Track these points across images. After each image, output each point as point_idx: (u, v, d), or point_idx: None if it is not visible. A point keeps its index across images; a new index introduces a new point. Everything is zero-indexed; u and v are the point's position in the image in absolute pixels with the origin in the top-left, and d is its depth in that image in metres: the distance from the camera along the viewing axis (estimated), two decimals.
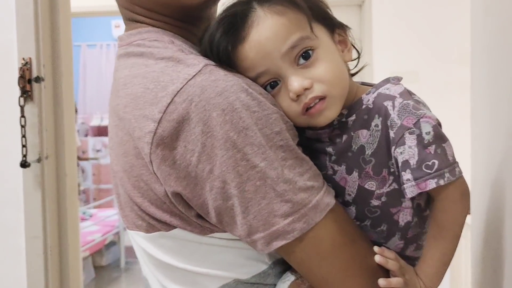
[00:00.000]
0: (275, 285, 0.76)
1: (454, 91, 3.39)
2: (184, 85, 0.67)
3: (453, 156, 0.71)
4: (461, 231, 0.74)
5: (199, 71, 0.67)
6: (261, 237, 0.68)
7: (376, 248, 0.74)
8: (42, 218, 1.39)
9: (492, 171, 1.03)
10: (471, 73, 1.19)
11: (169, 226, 0.73)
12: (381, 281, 0.71)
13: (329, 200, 0.70)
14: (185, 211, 0.71)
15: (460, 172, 0.71)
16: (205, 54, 0.72)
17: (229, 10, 0.71)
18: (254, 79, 0.71)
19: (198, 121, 0.66)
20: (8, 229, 1.41)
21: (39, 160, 1.38)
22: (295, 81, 0.69)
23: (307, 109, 0.70)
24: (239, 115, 0.66)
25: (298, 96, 0.70)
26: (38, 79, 1.35)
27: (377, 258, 0.72)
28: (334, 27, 0.77)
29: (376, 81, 0.78)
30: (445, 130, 0.75)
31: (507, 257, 0.93)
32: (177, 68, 0.69)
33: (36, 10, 1.35)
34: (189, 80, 0.67)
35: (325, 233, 0.70)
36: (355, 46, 0.81)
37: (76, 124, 3.65)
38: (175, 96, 0.66)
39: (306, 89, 0.69)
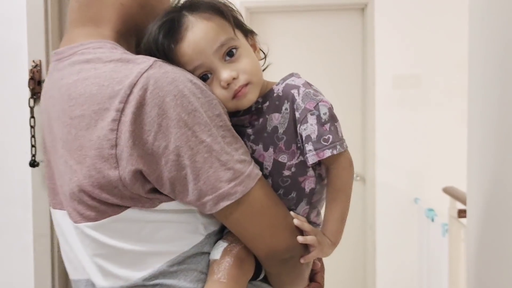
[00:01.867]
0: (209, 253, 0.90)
1: (456, 95, 3.40)
2: (139, 78, 0.79)
3: (342, 133, 0.92)
4: (351, 192, 0.93)
5: (151, 65, 0.80)
6: (210, 199, 0.81)
7: (292, 213, 0.91)
8: (49, 216, 1.42)
9: (488, 174, 1.05)
10: (469, 78, 1.21)
11: (120, 208, 0.83)
12: (300, 238, 0.89)
13: (258, 171, 0.86)
14: (140, 189, 0.82)
15: (347, 145, 0.91)
16: (149, 53, 0.86)
17: (165, 17, 0.87)
18: (192, 72, 0.86)
19: (154, 105, 0.78)
20: (16, 227, 1.44)
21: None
22: (225, 73, 0.87)
23: (235, 94, 0.88)
24: (188, 100, 0.80)
25: (228, 84, 0.87)
26: None
27: (295, 221, 0.90)
28: (247, 32, 0.95)
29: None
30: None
31: (502, 258, 0.95)
32: (127, 66, 0.82)
33: (46, 14, 1.38)
34: (143, 73, 0.79)
35: (256, 197, 0.85)
36: (261, 49, 0.99)
37: None
38: (133, 87, 0.79)
39: (234, 78, 0.87)
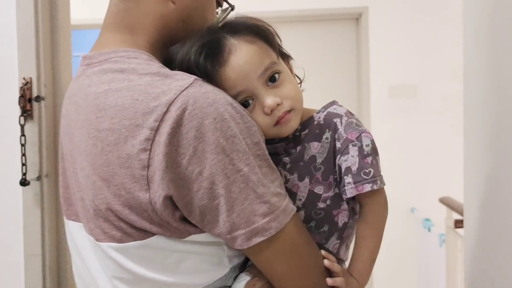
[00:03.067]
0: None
1: (452, 105, 3.40)
2: (177, 95, 0.74)
3: (381, 168, 0.88)
4: (383, 231, 0.89)
5: (191, 83, 0.76)
6: (242, 234, 0.76)
7: (323, 252, 0.86)
8: (41, 236, 1.40)
9: (484, 183, 1.04)
10: (464, 87, 1.21)
11: (147, 234, 0.78)
12: (329, 280, 0.84)
13: (292, 206, 0.81)
14: (169, 215, 0.76)
15: (385, 183, 0.87)
16: (187, 72, 0.81)
17: (204, 38, 0.83)
18: (234, 97, 0.81)
19: (191, 127, 0.73)
20: (7, 247, 1.42)
21: (38, 178, 1.39)
22: (269, 99, 0.83)
23: (277, 121, 0.85)
24: (227, 124, 0.74)
25: (272, 111, 0.83)
26: (38, 99, 1.37)
27: (326, 262, 0.84)
28: (284, 56, 0.92)
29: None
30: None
31: (499, 269, 0.94)
32: (165, 82, 0.76)
33: (37, 30, 1.37)
34: (183, 91, 0.74)
35: (289, 234, 0.79)
36: (296, 74, 0.96)
37: None
38: (170, 105, 0.73)
39: (278, 104, 0.83)
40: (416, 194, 3.58)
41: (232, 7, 1.02)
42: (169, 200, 0.75)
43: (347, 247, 0.94)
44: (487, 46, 1.01)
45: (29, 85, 1.35)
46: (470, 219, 1.18)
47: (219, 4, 1.00)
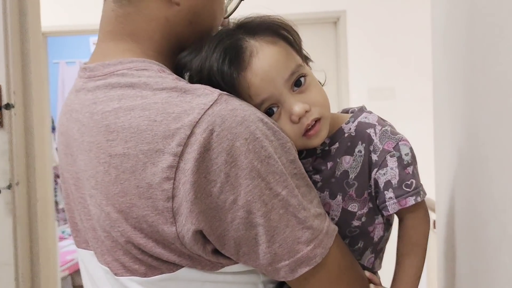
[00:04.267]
0: None
1: (429, 106, 3.44)
2: (202, 115, 0.65)
3: (420, 177, 0.81)
4: (427, 247, 0.81)
5: (216, 100, 0.66)
6: (286, 265, 0.69)
7: (368, 274, 0.80)
8: (13, 245, 1.38)
9: (452, 183, 1.05)
10: (433, 88, 1.22)
11: (175, 266, 0.71)
12: None
13: (334, 226, 0.73)
14: (200, 250, 0.69)
15: (426, 192, 0.80)
16: (206, 82, 0.72)
17: (220, 41, 0.73)
18: (258, 106, 0.73)
19: (221, 151, 0.64)
20: None
21: (9, 187, 1.37)
22: (297, 106, 0.74)
23: (306, 131, 0.76)
24: (261, 144, 0.66)
25: (300, 118, 0.75)
26: (8, 106, 1.36)
27: (372, 287, 0.79)
28: (305, 58, 0.83)
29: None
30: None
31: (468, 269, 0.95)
32: (185, 99, 0.67)
33: (6, 37, 1.36)
34: (207, 109, 0.65)
35: (334, 258, 0.72)
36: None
37: (54, 141, 3.63)
38: (194, 127, 0.64)
39: (306, 111, 0.75)
40: None
41: None
42: (200, 234, 0.67)
43: (381, 259, 0.88)
44: (453, 48, 1.02)
45: None
46: (440, 220, 1.19)
47: None
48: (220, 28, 0.84)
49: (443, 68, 1.13)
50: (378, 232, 0.83)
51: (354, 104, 3.69)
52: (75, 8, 3.60)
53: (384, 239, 0.84)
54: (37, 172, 1.44)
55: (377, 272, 0.88)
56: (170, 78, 0.71)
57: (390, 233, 0.86)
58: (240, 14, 0.83)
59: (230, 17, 0.88)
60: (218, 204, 0.66)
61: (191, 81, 0.75)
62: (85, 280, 0.86)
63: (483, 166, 0.78)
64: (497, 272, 0.73)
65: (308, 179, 0.73)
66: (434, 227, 2.73)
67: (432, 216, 2.80)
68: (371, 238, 0.82)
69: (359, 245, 0.82)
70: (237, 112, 0.66)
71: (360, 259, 0.83)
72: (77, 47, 5.83)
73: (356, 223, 0.80)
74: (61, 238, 4.13)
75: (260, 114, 0.69)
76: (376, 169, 0.78)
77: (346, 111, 0.89)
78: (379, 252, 0.86)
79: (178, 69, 0.78)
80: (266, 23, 0.77)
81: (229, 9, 0.91)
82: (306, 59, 0.83)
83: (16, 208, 1.39)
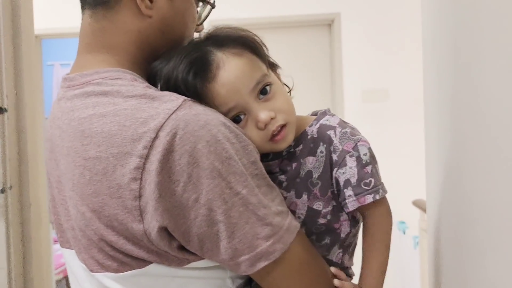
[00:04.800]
0: None
1: (422, 108, 3.45)
2: (166, 120, 0.70)
3: (380, 176, 0.85)
4: (390, 242, 0.85)
5: (180, 105, 0.72)
6: (246, 259, 0.73)
7: (333, 269, 0.83)
8: (6, 248, 1.38)
9: (443, 185, 1.06)
10: (424, 91, 1.23)
11: (145, 263, 0.75)
12: None
13: (296, 222, 0.77)
14: (166, 246, 0.73)
15: (386, 190, 0.84)
16: (173, 90, 0.77)
17: (188, 53, 0.79)
18: (225, 114, 0.78)
19: (184, 152, 0.69)
20: None
21: (3, 191, 1.37)
22: (262, 114, 0.79)
23: (272, 136, 0.81)
24: (222, 146, 0.71)
25: (266, 125, 0.80)
26: (1, 110, 1.36)
27: (336, 282, 0.81)
28: (272, 66, 0.88)
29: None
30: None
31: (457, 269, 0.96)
32: (152, 105, 0.72)
33: None
34: (171, 114, 0.70)
35: (295, 253, 0.76)
36: (284, 83, 0.91)
37: None
38: (159, 130, 0.69)
39: (272, 118, 0.80)
40: (390, 197, 3.59)
41: (213, 6, 0.96)
42: (165, 231, 0.72)
43: (351, 255, 0.91)
44: (444, 49, 1.03)
45: None
46: (431, 220, 1.20)
47: (197, 5, 0.94)
48: (195, 33, 0.91)
49: (432, 71, 1.14)
50: (344, 229, 0.86)
51: (348, 106, 3.70)
52: (69, 11, 3.60)
53: (351, 235, 0.87)
54: (30, 176, 1.43)
55: (349, 268, 0.90)
56: (141, 86, 0.76)
57: (358, 229, 0.88)
58: (222, 17, 0.87)
59: (215, 21, 0.91)
60: (182, 203, 0.70)
61: (162, 89, 0.80)
62: (71, 278, 0.91)
63: (470, 169, 0.79)
64: (482, 276, 0.73)
65: (269, 179, 0.77)
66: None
67: (426, 217, 2.80)
68: (337, 234, 0.86)
69: (326, 240, 0.86)
70: (199, 116, 0.72)
71: (328, 255, 0.87)
72: (71, 49, 5.82)
73: (321, 220, 0.84)
74: (56, 241, 4.12)
75: (222, 119, 0.74)
76: (336, 168, 0.82)
77: (314, 114, 0.93)
78: (347, 248, 0.88)
79: (151, 77, 0.82)
80: (233, 35, 0.81)
81: (203, 16, 0.96)
82: (274, 66, 0.88)
83: (9, 212, 1.39)
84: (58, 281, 3.76)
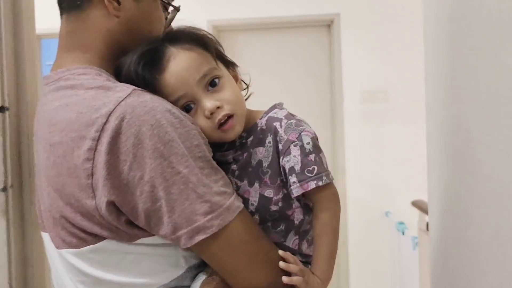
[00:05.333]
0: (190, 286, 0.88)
1: (422, 109, 3.45)
2: (116, 106, 0.78)
3: (327, 165, 0.90)
4: (339, 226, 0.90)
5: (129, 94, 0.80)
6: (185, 233, 0.79)
7: (280, 252, 0.88)
8: (7, 247, 1.38)
9: (445, 186, 1.06)
10: (426, 92, 1.23)
11: (99, 238, 0.83)
12: (284, 279, 0.84)
13: (239, 203, 0.84)
14: (115, 220, 0.80)
15: (332, 177, 0.89)
16: (130, 82, 0.85)
17: (145, 48, 0.87)
18: (174, 103, 0.85)
19: (130, 135, 0.77)
20: None
21: (4, 189, 1.37)
22: (208, 103, 0.87)
23: (220, 125, 0.88)
24: (165, 130, 0.78)
25: (212, 114, 0.87)
26: (2, 109, 1.35)
27: (281, 264, 0.86)
28: (228, 63, 0.96)
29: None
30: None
31: (460, 268, 0.96)
32: (107, 94, 0.81)
33: (0, 40, 1.35)
34: (121, 101, 0.79)
35: (235, 231, 0.82)
36: (243, 80, 1.00)
37: None
38: (109, 115, 0.78)
39: (218, 108, 0.87)
40: (389, 198, 3.61)
41: (178, 9, 1.05)
42: (113, 206, 0.79)
43: (309, 242, 0.95)
44: (444, 52, 1.03)
45: None
46: (433, 221, 1.20)
47: (165, 8, 1.03)
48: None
49: (434, 71, 1.14)
50: (297, 215, 0.91)
51: (347, 107, 3.70)
52: None
53: (305, 222, 0.92)
54: (31, 174, 1.43)
55: (310, 256, 0.93)
56: (101, 80, 0.85)
57: (311, 217, 0.93)
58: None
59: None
60: (129, 180, 0.78)
61: (122, 81, 0.88)
62: (49, 260, 1.00)
63: (475, 168, 0.79)
64: (489, 277, 0.73)
65: (214, 162, 0.84)
66: (428, 229, 2.74)
67: (427, 218, 2.81)
68: (291, 221, 0.91)
69: (281, 227, 0.91)
70: (146, 103, 0.79)
71: (285, 241, 0.92)
72: None
73: (274, 207, 0.90)
74: None
75: (168, 106, 0.82)
76: (282, 157, 0.88)
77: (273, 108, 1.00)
78: (304, 234, 0.93)
79: (117, 73, 0.91)
80: (186, 32, 0.90)
81: (168, 18, 1.05)
82: (231, 64, 0.96)
83: (9, 210, 1.39)
84: None
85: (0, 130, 1.35)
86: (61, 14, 0.97)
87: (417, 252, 2.87)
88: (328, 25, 3.82)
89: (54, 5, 1.06)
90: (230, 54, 1.01)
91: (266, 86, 3.73)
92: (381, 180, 3.60)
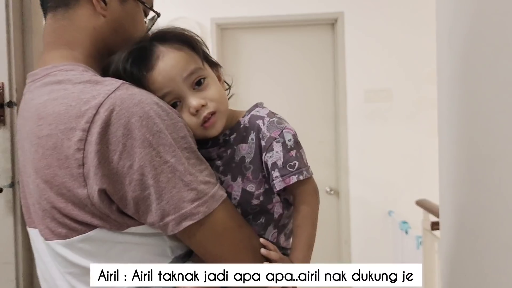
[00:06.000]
0: None
1: (426, 108, 3.45)
2: (105, 98, 0.81)
3: (307, 160, 0.94)
4: (317, 219, 0.94)
5: (118, 87, 0.83)
6: (172, 219, 0.82)
7: (262, 240, 0.92)
8: (14, 243, 1.37)
9: (459, 186, 1.05)
10: (438, 91, 1.22)
11: (89, 227, 0.85)
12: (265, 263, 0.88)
13: (222, 192, 0.87)
14: (107, 208, 0.83)
15: (312, 172, 0.93)
16: (118, 78, 0.88)
17: (135, 46, 0.91)
18: (161, 98, 0.88)
19: (119, 126, 0.80)
20: None
21: (11, 185, 1.36)
22: (194, 100, 0.91)
23: (204, 122, 0.92)
24: (153, 121, 0.81)
25: (197, 111, 0.91)
26: (10, 104, 1.35)
27: (262, 251, 0.91)
28: (213, 64, 1.00)
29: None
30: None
31: (475, 270, 0.95)
32: (96, 87, 0.83)
33: (8, 35, 1.35)
34: (110, 94, 0.82)
35: (219, 218, 0.86)
36: (226, 80, 1.04)
37: None
38: (99, 107, 0.80)
39: (203, 105, 0.91)
40: (393, 197, 3.61)
41: (158, 15, 1.09)
42: (104, 194, 0.82)
43: (287, 236, 1.00)
44: (459, 49, 1.02)
45: (1, 90, 1.33)
46: (445, 221, 1.19)
47: (146, 14, 1.08)
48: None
49: (447, 70, 1.14)
50: (277, 210, 0.96)
51: (351, 106, 3.69)
52: None
53: (284, 216, 0.97)
54: None
55: (288, 249, 0.99)
56: (88, 75, 0.88)
57: (290, 211, 0.98)
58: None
59: None
60: (119, 169, 0.80)
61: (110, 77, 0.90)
62: (35, 255, 1.00)
63: (488, 168, 0.78)
64: (507, 277, 0.73)
65: (199, 153, 0.87)
66: (432, 228, 2.73)
67: (431, 218, 2.80)
68: (271, 215, 0.96)
69: (261, 220, 0.95)
70: (135, 96, 0.82)
71: (264, 234, 0.96)
72: None
73: (255, 201, 0.94)
74: None
75: (156, 99, 0.85)
76: (264, 153, 0.92)
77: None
78: (282, 228, 0.98)
79: (105, 71, 0.93)
80: (175, 33, 0.93)
81: (148, 23, 1.09)
82: (215, 65, 1.00)
83: (17, 206, 1.38)
84: None
85: (9, 125, 1.34)
86: (45, 13, 1.00)
87: (420, 252, 2.87)
88: (332, 23, 3.81)
89: None
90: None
91: (269, 84, 3.72)
92: (384, 179, 3.60)
